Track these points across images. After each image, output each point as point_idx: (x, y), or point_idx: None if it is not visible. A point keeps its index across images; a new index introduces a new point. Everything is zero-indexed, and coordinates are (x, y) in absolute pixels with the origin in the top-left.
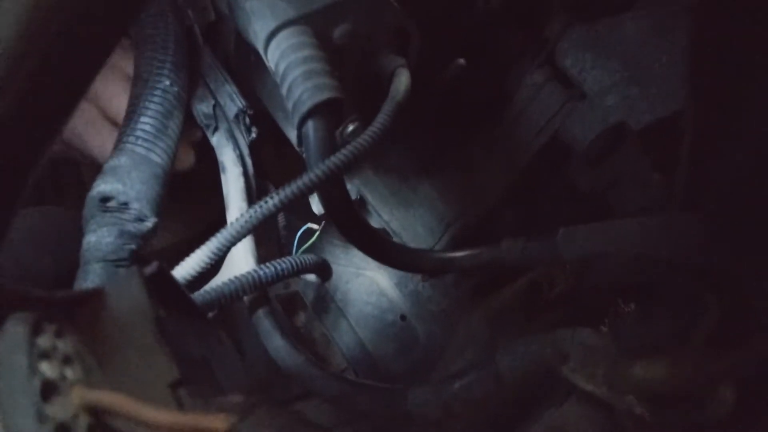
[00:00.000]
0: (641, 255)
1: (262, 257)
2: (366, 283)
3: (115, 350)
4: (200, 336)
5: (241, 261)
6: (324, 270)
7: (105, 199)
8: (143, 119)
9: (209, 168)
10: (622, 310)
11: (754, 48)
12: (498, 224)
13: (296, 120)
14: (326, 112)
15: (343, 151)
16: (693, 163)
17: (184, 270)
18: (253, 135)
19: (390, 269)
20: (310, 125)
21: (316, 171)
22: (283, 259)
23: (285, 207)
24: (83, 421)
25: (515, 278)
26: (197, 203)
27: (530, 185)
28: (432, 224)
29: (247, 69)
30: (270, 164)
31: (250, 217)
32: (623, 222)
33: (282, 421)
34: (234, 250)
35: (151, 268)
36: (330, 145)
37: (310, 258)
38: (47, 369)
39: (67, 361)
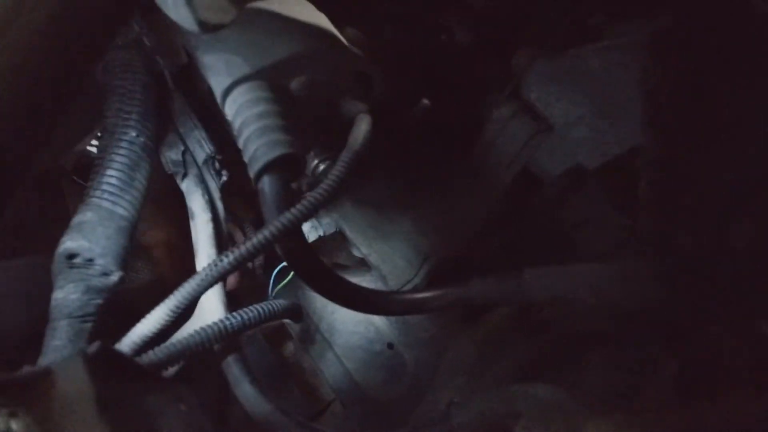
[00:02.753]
0: (599, 303)
1: (238, 296)
2: (352, 313)
3: (61, 428)
4: (154, 401)
5: (212, 310)
6: (294, 314)
7: (71, 255)
8: (109, 172)
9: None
10: (585, 359)
11: (708, 84)
12: (476, 254)
13: (252, 175)
14: (281, 168)
15: (298, 206)
16: (653, 205)
17: (144, 327)
18: (224, 178)
19: None
20: (265, 181)
21: (271, 227)
22: (251, 307)
23: (244, 263)
24: None
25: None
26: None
27: (506, 216)
28: (410, 256)
29: (219, 112)
30: (240, 214)
31: (208, 274)
32: (583, 267)
33: None
34: (204, 298)
35: (93, 348)
36: (286, 200)
37: (279, 304)
38: None
39: None
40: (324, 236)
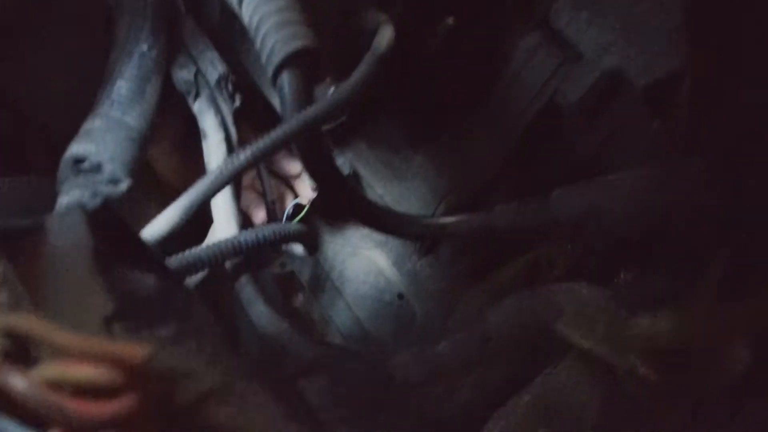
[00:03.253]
0: (640, 207)
1: None
2: (363, 263)
3: (50, 284)
4: (160, 286)
5: (224, 230)
6: (310, 240)
7: (78, 160)
8: (119, 83)
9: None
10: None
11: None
12: (494, 195)
13: (270, 73)
14: (302, 62)
15: (320, 102)
16: (693, 110)
17: (155, 228)
18: (237, 103)
19: (387, 248)
20: (285, 76)
21: (292, 122)
22: (266, 225)
23: (260, 160)
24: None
25: (514, 257)
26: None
27: (527, 153)
28: (427, 197)
29: (232, 38)
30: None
31: (222, 171)
32: (619, 176)
33: (212, 350)
34: (216, 219)
35: (94, 203)
36: (307, 96)
37: (294, 226)
38: None
39: None
40: None
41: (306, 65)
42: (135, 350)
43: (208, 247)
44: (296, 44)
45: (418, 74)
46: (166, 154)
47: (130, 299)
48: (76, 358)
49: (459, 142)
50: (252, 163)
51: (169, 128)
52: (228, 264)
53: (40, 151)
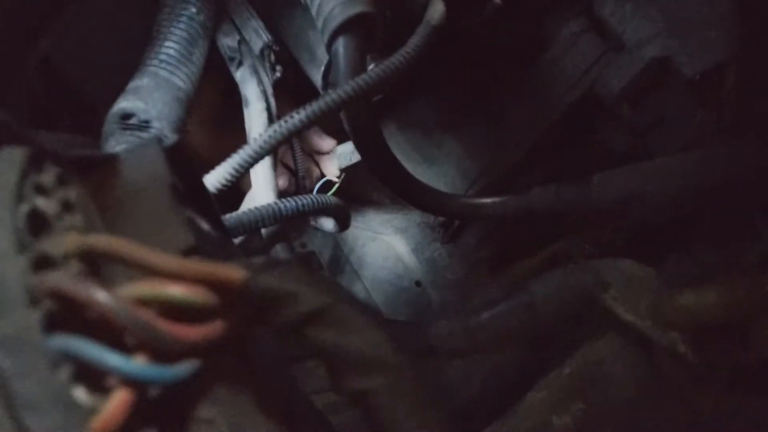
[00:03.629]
0: (683, 190)
1: None
2: (382, 248)
3: (125, 215)
4: (219, 237)
5: (262, 196)
6: (344, 216)
7: (126, 116)
8: (167, 44)
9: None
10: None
11: None
12: (524, 180)
13: (326, 38)
14: (359, 28)
15: (374, 69)
16: (739, 99)
17: (208, 182)
18: (278, 74)
19: (407, 235)
20: (341, 42)
21: (345, 87)
22: (305, 195)
23: (308, 126)
24: (74, 265)
25: (533, 250)
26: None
27: (560, 141)
28: (456, 181)
29: (274, 9)
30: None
31: (275, 132)
32: (666, 159)
33: (306, 275)
34: (255, 185)
35: (170, 140)
36: (362, 63)
37: (333, 199)
38: (42, 202)
39: (67, 207)
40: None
41: (363, 32)
42: (234, 271)
43: (249, 210)
44: (356, 9)
45: (458, 54)
46: (199, 123)
47: (206, 237)
48: (167, 278)
49: (491, 125)
50: (304, 128)
51: (205, 97)
52: (263, 232)
53: (72, 123)
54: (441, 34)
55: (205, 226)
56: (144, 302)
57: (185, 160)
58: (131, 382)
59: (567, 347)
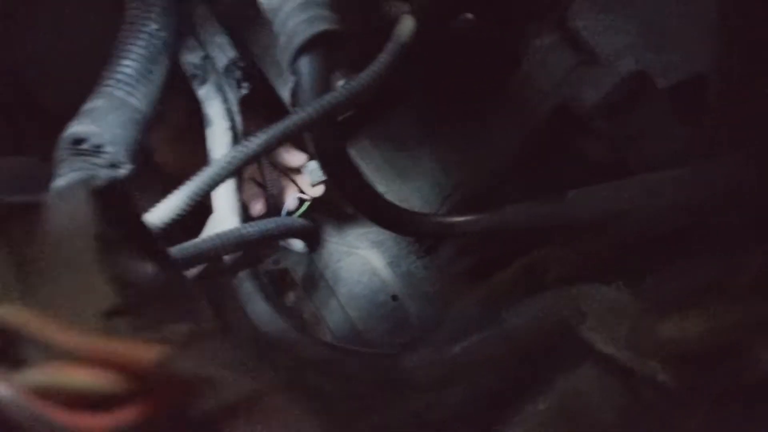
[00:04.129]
0: (669, 205)
1: None
2: (358, 262)
3: (46, 270)
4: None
5: (225, 221)
6: (313, 236)
7: (78, 141)
8: (125, 62)
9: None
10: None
11: None
12: (501, 195)
13: (288, 56)
14: (324, 47)
15: (340, 89)
16: (719, 115)
17: (158, 216)
18: (244, 91)
19: (383, 248)
20: (304, 60)
21: (308, 109)
22: (270, 219)
23: (273, 148)
24: None
25: (512, 261)
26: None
27: (538, 155)
28: (430, 196)
29: (243, 24)
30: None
31: (233, 156)
32: (640, 177)
33: (232, 355)
34: (217, 209)
35: (100, 181)
36: (326, 82)
37: (299, 221)
38: None
39: None
40: None
41: (328, 50)
42: (145, 351)
43: (210, 238)
44: (321, 26)
45: (430, 69)
46: (165, 141)
47: (137, 292)
48: (72, 360)
49: (466, 140)
50: (266, 151)
51: (171, 115)
52: (226, 258)
53: (36, 133)
54: (411, 50)
55: (149, 269)
56: (46, 389)
57: (122, 199)
58: None
59: (543, 377)
